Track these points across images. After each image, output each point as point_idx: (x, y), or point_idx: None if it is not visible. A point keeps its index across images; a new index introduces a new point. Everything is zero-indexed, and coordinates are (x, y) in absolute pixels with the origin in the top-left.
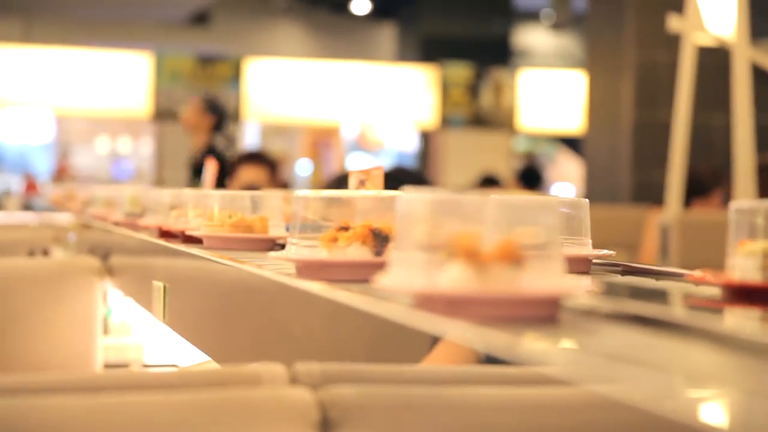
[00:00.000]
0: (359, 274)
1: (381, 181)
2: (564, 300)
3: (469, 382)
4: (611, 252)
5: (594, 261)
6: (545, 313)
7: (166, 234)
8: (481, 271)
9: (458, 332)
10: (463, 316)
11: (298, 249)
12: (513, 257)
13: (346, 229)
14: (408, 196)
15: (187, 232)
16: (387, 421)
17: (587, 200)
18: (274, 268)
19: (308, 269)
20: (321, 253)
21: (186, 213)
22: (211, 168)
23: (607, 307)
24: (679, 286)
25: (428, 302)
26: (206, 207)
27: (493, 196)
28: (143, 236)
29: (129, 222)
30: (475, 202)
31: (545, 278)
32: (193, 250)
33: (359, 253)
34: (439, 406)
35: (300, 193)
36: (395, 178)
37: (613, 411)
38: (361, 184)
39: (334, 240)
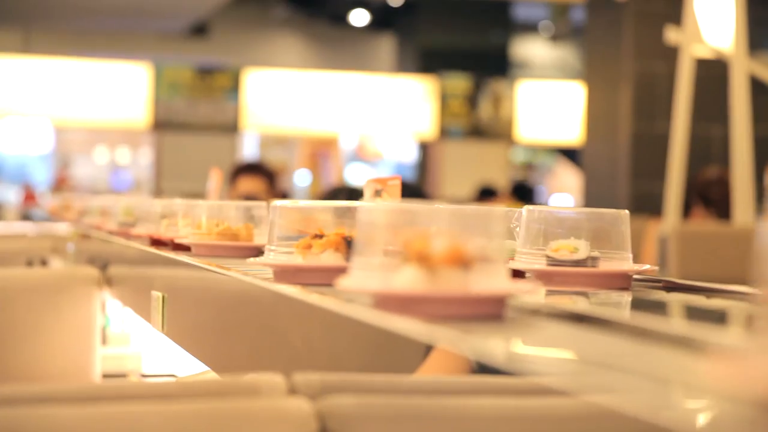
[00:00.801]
0: (331, 279)
1: (398, 191)
2: (509, 300)
3: (467, 393)
4: (653, 267)
5: (635, 276)
6: (491, 312)
7: (156, 242)
8: (432, 273)
9: (410, 329)
10: (415, 314)
11: (276, 255)
12: (461, 261)
13: (320, 236)
14: (367, 206)
15: (176, 240)
16: (385, 431)
17: (627, 212)
18: (254, 273)
19: (284, 274)
20: (296, 259)
21: (176, 222)
22: (215, 178)
23: (551, 306)
24: (738, 305)
25: (384, 302)
26: (195, 216)
27: (444, 207)
28: (141, 246)
29: (122, 231)
30: (428, 212)
31: (491, 280)
32: (191, 260)
33: (332, 258)
34: (438, 416)
35: (278, 203)
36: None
37: (608, 421)
38: (377, 194)
39: (309, 247)
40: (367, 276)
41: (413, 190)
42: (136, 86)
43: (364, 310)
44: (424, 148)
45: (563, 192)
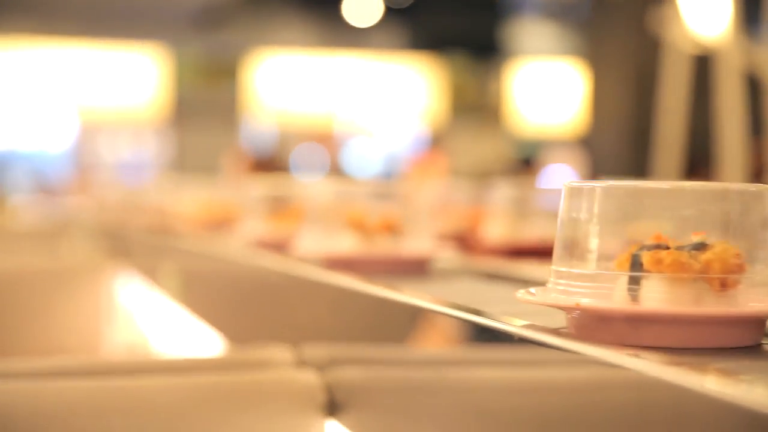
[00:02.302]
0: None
1: (442, 168)
2: (431, 260)
3: (474, 364)
4: None
5: None
6: (416, 270)
7: (165, 228)
8: (368, 239)
9: (348, 284)
10: (353, 271)
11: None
12: (392, 229)
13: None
14: (316, 184)
15: (180, 224)
16: (393, 402)
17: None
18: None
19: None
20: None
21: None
22: (242, 159)
23: (467, 265)
24: None
25: (330, 263)
26: (195, 201)
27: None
28: (155, 224)
29: (132, 218)
30: (364, 188)
31: (418, 244)
32: (216, 242)
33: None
34: (445, 387)
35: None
36: None
37: (613, 391)
38: (419, 169)
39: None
40: (317, 242)
41: None
42: (145, 74)
43: (314, 270)
44: (429, 128)
45: (562, 163)
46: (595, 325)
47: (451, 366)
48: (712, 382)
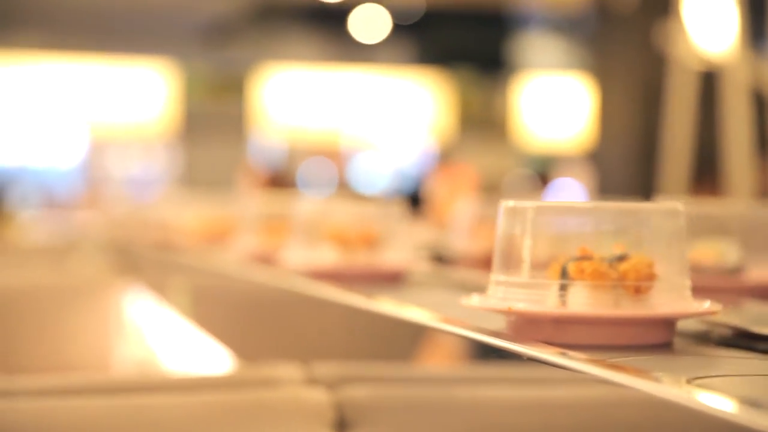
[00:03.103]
0: None
1: (472, 180)
2: (407, 272)
3: (482, 382)
4: None
5: None
6: (393, 279)
7: (164, 245)
8: (347, 251)
9: (325, 294)
10: (333, 282)
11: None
12: (369, 242)
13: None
14: (301, 203)
15: (177, 241)
16: (402, 421)
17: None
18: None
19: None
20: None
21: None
22: (253, 175)
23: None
24: None
25: (312, 274)
26: (193, 218)
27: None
28: (161, 239)
29: (135, 236)
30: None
31: (395, 255)
32: (215, 257)
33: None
34: (454, 405)
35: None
36: None
37: (620, 409)
38: (443, 184)
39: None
40: (303, 255)
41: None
42: (154, 89)
43: (299, 282)
44: (437, 142)
45: (572, 178)
46: (528, 327)
47: (460, 384)
48: (628, 377)
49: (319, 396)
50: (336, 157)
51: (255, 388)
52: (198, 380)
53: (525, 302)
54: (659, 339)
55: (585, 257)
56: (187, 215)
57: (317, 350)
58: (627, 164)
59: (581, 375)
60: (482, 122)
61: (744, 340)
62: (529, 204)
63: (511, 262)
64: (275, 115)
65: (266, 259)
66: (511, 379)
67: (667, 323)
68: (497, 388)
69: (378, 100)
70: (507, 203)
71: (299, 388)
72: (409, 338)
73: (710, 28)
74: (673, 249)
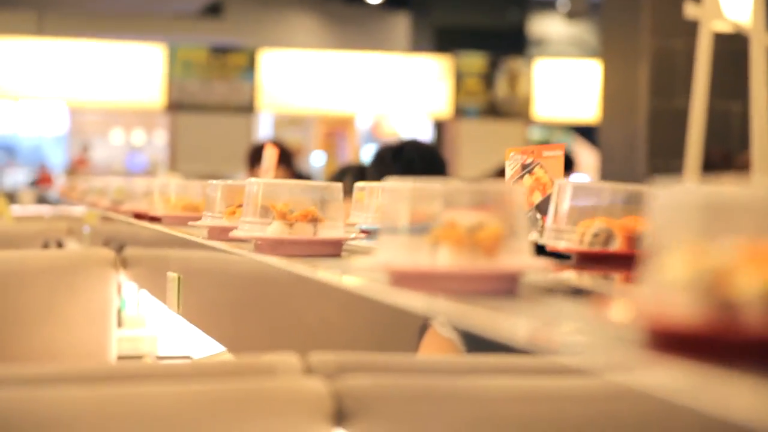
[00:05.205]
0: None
1: (560, 165)
2: (344, 244)
3: (482, 373)
4: None
5: None
6: (333, 251)
7: (138, 216)
8: (288, 226)
9: (275, 263)
10: (279, 254)
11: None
12: (311, 218)
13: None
14: (252, 182)
15: (150, 213)
16: (401, 411)
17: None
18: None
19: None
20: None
21: (153, 199)
22: (270, 156)
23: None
24: None
25: (264, 247)
26: (166, 194)
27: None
28: (157, 227)
29: (112, 207)
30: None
31: (334, 232)
32: (205, 241)
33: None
34: (453, 396)
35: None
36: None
37: (625, 402)
38: (525, 168)
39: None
40: (254, 229)
41: (428, 153)
42: (150, 67)
43: (253, 257)
44: (440, 127)
45: (579, 171)
46: (406, 281)
47: (460, 374)
48: (486, 318)
49: (317, 386)
50: (335, 140)
51: (253, 378)
52: (195, 369)
53: (403, 261)
54: (508, 290)
55: (451, 226)
56: (165, 195)
57: (314, 342)
58: (638, 146)
59: (583, 368)
60: (488, 105)
61: (575, 294)
62: (403, 186)
63: (397, 230)
64: (272, 97)
65: (221, 233)
66: (511, 369)
67: (513, 277)
68: (497, 378)
69: (383, 82)
70: (389, 184)
71: (297, 377)
72: (410, 329)
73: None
74: (518, 220)
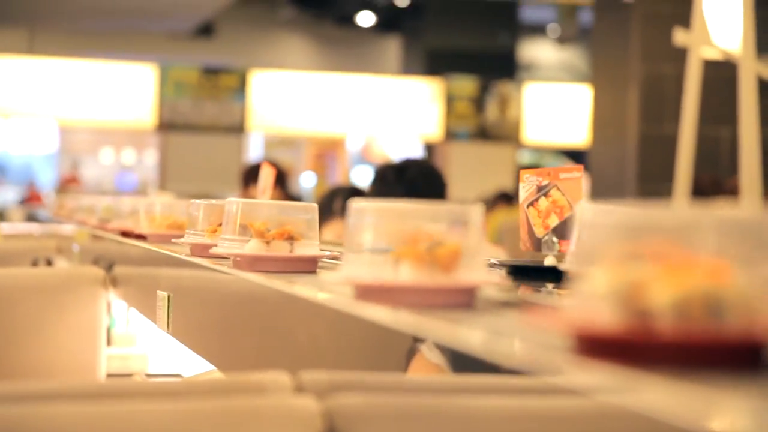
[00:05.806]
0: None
1: (578, 187)
2: (319, 262)
3: (474, 392)
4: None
5: None
6: (309, 268)
7: (125, 234)
8: (266, 244)
9: (258, 281)
10: (257, 270)
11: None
12: (287, 236)
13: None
14: (231, 201)
15: (136, 231)
16: (392, 430)
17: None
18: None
19: (241, 263)
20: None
21: (138, 218)
22: (267, 175)
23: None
24: None
25: (242, 263)
26: (152, 213)
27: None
28: (143, 245)
29: (99, 226)
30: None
31: (309, 250)
32: (194, 259)
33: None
34: (445, 415)
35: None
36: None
37: (616, 422)
38: (540, 191)
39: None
40: (234, 246)
41: (427, 170)
42: (141, 87)
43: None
44: (430, 149)
45: None
46: (370, 294)
47: (451, 393)
48: (444, 329)
49: (308, 404)
50: (325, 162)
51: (243, 396)
52: (185, 387)
53: (366, 276)
54: (465, 303)
55: (413, 244)
56: (153, 213)
57: (304, 361)
58: (627, 171)
59: (576, 387)
60: (479, 128)
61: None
62: (372, 206)
63: (360, 247)
64: (263, 118)
65: (201, 251)
66: (503, 389)
67: (470, 291)
68: (489, 397)
69: (374, 105)
70: (355, 205)
71: (288, 396)
72: (399, 350)
73: (723, 25)
74: (475, 239)
